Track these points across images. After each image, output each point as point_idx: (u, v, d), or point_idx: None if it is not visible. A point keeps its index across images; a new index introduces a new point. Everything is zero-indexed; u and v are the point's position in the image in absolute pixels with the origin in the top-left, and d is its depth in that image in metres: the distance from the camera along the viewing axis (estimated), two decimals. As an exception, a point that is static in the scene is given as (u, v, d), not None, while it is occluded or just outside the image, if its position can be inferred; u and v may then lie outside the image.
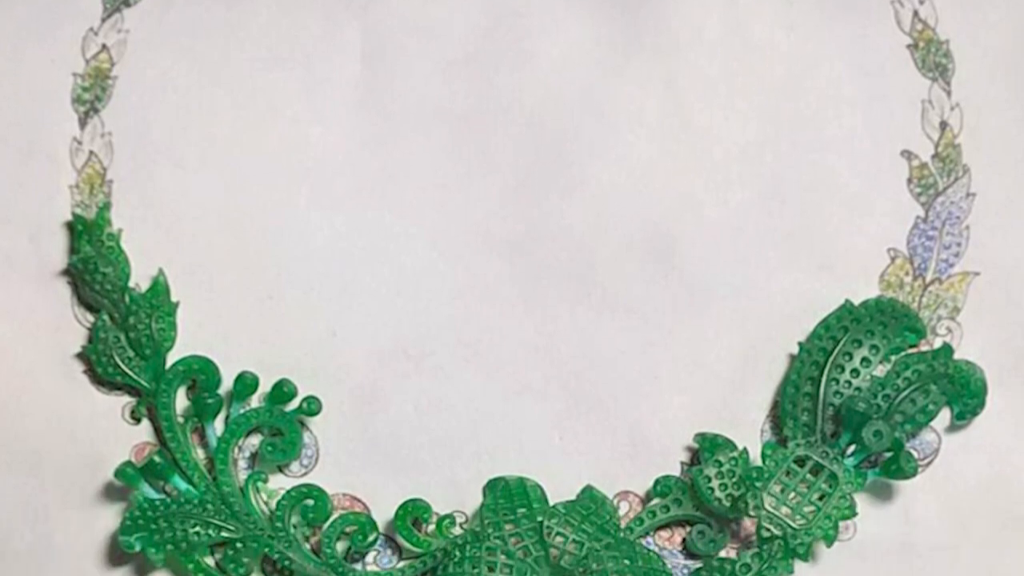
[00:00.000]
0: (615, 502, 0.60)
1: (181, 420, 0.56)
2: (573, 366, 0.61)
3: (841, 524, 0.59)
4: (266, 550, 0.55)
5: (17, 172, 0.61)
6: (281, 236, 0.60)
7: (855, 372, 0.60)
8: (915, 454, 0.60)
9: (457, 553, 0.55)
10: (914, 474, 0.60)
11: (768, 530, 0.58)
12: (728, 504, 0.58)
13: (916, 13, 0.65)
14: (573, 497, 0.58)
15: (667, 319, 0.62)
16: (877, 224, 0.63)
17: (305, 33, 0.63)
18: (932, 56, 0.65)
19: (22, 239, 0.60)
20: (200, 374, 0.56)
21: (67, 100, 0.62)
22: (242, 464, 0.56)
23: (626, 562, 0.57)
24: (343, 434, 0.59)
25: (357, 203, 0.62)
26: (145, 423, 0.57)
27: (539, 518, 0.57)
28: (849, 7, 0.65)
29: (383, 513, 0.57)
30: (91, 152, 0.62)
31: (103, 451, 0.57)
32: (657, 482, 0.60)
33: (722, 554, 0.59)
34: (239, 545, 0.54)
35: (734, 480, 0.59)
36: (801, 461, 0.59)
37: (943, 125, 0.65)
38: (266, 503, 0.55)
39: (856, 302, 0.61)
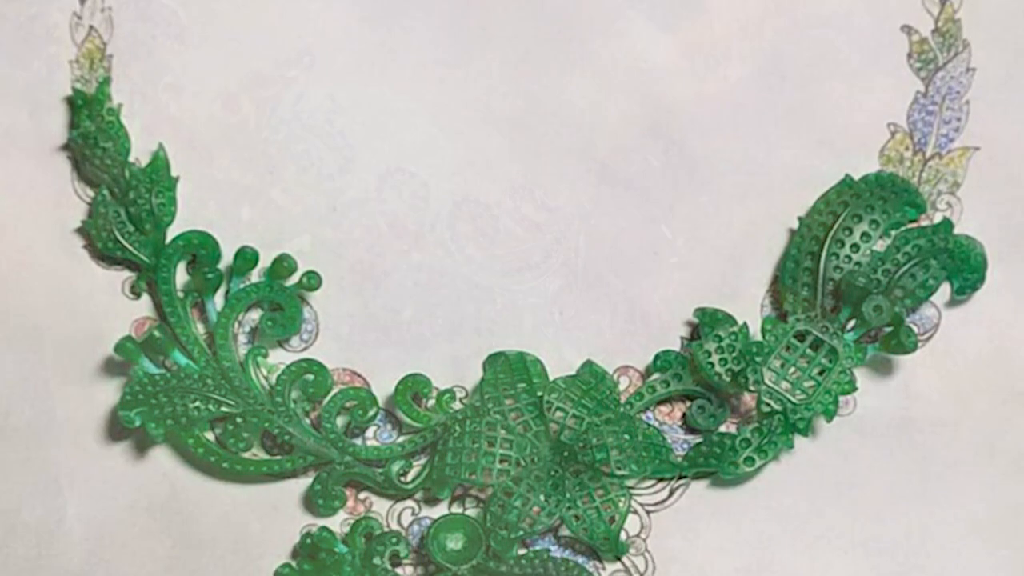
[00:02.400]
0: (615, 377, 0.59)
1: (181, 295, 0.55)
2: (573, 242, 0.60)
3: (841, 399, 0.58)
4: (266, 425, 0.54)
5: (17, 47, 0.60)
6: (281, 111, 0.60)
7: (855, 247, 0.59)
8: (915, 329, 0.59)
9: (457, 428, 0.55)
10: (914, 349, 0.59)
11: (768, 405, 0.58)
12: (728, 379, 0.57)
13: None
14: (573, 372, 0.58)
15: (667, 195, 0.61)
16: (877, 99, 0.62)
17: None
18: (933, -70, 0.64)
19: (22, 114, 0.59)
20: (200, 249, 0.55)
21: (66, -26, 0.61)
22: (242, 339, 0.55)
23: (626, 437, 0.56)
24: (343, 309, 0.58)
25: (358, 78, 0.60)
26: (145, 298, 0.56)
27: (539, 393, 0.56)
28: None
29: (383, 388, 0.56)
30: (91, 27, 0.60)
31: (103, 326, 0.56)
32: (657, 357, 0.59)
33: (722, 429, 0.58)
34: (239, 420, 0.53)
35: (734, 355, 0.58)
36: (801, 336, 0.59)
37: (943, 0, 0.64)
38: (266, 378, 0.54)
39: (856, 177, 0.60)
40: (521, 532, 0.54)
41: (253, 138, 0.54)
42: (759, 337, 0.59)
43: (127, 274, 0.56)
